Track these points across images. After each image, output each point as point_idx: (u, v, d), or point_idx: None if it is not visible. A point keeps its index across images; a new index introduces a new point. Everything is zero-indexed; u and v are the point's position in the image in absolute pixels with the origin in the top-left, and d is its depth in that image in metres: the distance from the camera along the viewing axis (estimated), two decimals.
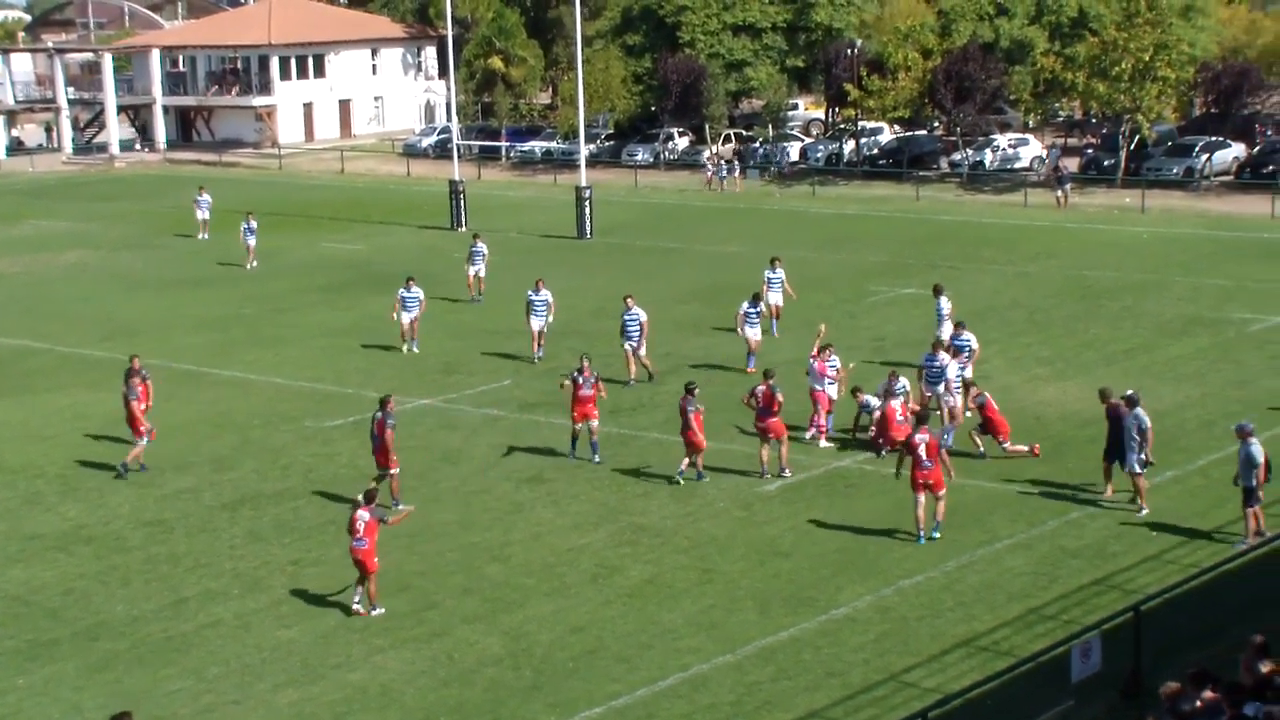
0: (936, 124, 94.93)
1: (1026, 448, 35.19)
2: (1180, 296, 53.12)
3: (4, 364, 48.80)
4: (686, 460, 34.26)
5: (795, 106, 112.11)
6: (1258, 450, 28.96)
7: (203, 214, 72.84)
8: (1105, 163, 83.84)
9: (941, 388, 36.19)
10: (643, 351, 42.89)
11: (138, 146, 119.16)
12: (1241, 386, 41.21)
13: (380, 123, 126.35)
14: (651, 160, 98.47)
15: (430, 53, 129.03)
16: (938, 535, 30.19)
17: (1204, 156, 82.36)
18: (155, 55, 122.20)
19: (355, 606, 27.65)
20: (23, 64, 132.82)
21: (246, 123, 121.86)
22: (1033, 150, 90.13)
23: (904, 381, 36.33)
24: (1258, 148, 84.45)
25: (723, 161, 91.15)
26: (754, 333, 43.98)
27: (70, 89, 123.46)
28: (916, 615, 26.95)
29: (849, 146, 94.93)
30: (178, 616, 28.11)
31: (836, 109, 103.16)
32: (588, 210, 71.28)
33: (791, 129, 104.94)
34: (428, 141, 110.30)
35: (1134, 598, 25.31)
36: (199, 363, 47.85)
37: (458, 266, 57.58)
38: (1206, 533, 30.26)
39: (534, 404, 41.74)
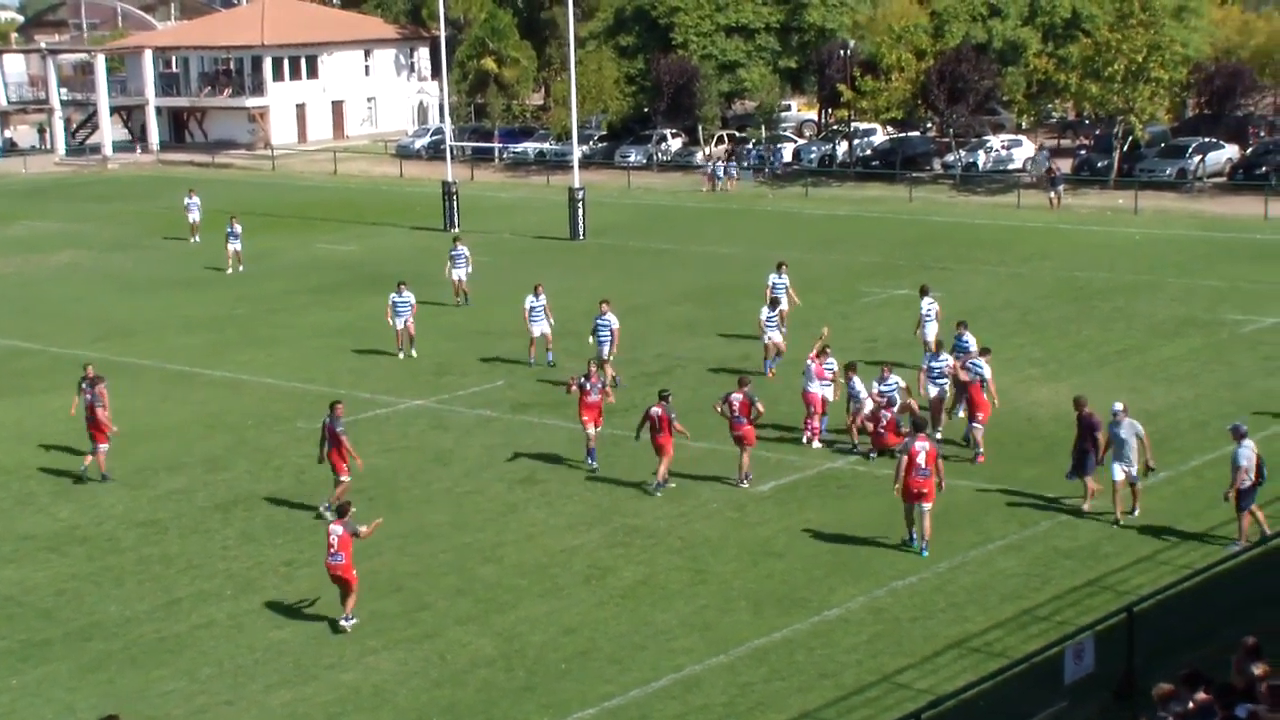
0: (930, 125, 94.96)
1: (981, 448, 35.12)
2: (1173, 298, 53.16)
3: None
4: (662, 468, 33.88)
5: (788, 107, 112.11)
6: (1240, 453, 28.98)
7: (194, 216, 72.63)
8: (1098, 164, 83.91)
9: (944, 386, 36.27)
10: (608, 357, 42.64)
11: (137, 150, 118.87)
12: (1234, 388, 41.24)
13: (373, 124, 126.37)
14: (644, 161, 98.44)
15: (423, 54, 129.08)
16: (927, 553, 29.69)
17: (1197, 158, 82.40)
18: (148, 56, 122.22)
19: (344, 624, 27.24)
20: (16, 65, 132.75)
21: (239, 124, 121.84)
22: (1026, 151, 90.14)
23: (896, 379, 36.33)
24: (1251, 149, 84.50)
25: (720, 162, 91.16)
26: (775, 336, 43.49)
27: (63, 90, 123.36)
28: (909, 616, 26.95)
29: (842, 148, 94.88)
30: (170, 617, 28.09)
31: (829, 110, 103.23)
32: (581, 211, 71.26)
33: (784, 130, 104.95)
34: (421, 142, 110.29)
35: (1127, 599, 25.33)
36: (192, 363, 47.81)
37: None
38: (1199, 534, 30.27)
39: (527, 405, 41.73)
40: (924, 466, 29.43)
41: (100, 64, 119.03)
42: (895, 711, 22.61)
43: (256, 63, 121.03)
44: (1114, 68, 79.05)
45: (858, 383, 36.45)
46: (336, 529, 26.93)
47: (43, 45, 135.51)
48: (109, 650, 26.75)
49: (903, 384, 36.38)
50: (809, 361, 37.55)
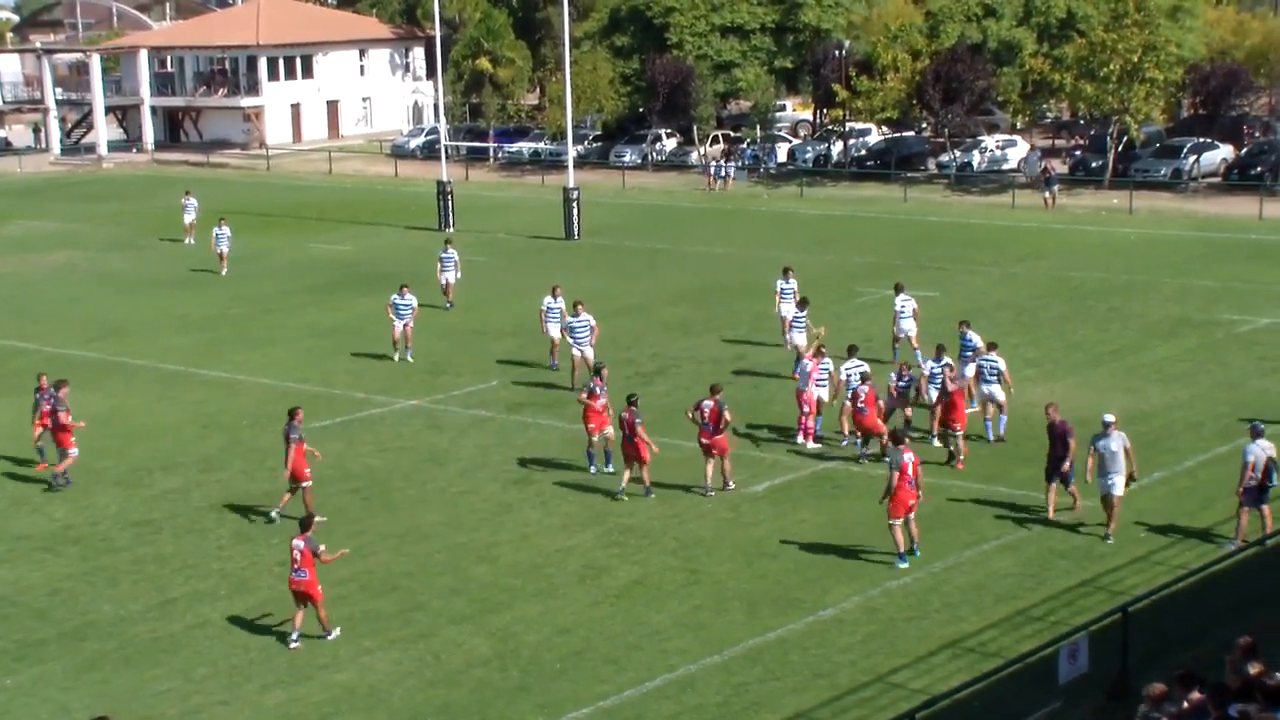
0: (924, 125, 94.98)
1: (952, 453, 35.03)
2: (1168, 298, 53.19)
3: None
4: (636, 473, 33.52)
5: (783, 107, 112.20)
6: (1249, 449, 29.09)
7: (189, 217, 72.42)
8: (1093, 164, 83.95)
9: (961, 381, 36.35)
10: (590, 355, 42.60)
11: (133, 150, 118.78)
12: (1229, 388, 41.28)
13: (368, 123, 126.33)
14: (639, 161, 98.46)
15: (418, 53, 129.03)
16: (919, 553, 29.50)
17: (1192, 158, 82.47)
18: (143, 56, 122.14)
19: (296, 641, 26.57)
20: (11, 65, 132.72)
21: (234, 123, 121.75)
22: (1021, 151, 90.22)
23: (910, 374, 36.51)
24: (1246, 149, 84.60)
25: (720, 162, 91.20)
26: (800, 338, 42.69)
27: (58, 90, 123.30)
28: (904, 616, 26.96)
29: (837, 148, 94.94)
30: (165, 617, 28.08)
31: (824, 110, 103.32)
32: (576, 211, 71.25)
33: (779, 130, 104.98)
34: (416, 142, 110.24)
35: (1121, 599, 25.33)
36: (187, 363, 47.79)
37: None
38: (1194, 534, 30.30)
39: (521, 405, 41.74)
40: (914, 478, 29.18)
41: (95, 64, 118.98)
42: (889, 711, 22.61)
43: (251, 62, 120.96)
44: (1109, 68, 79.10)
45: (854, 374, 36.39)
46: (299, 544, 26.30)
47: (38, 45, 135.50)
48: (103, 650, 26.74)
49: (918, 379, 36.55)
50: (805, 361, 37.59)
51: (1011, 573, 28.76)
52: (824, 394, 37.13)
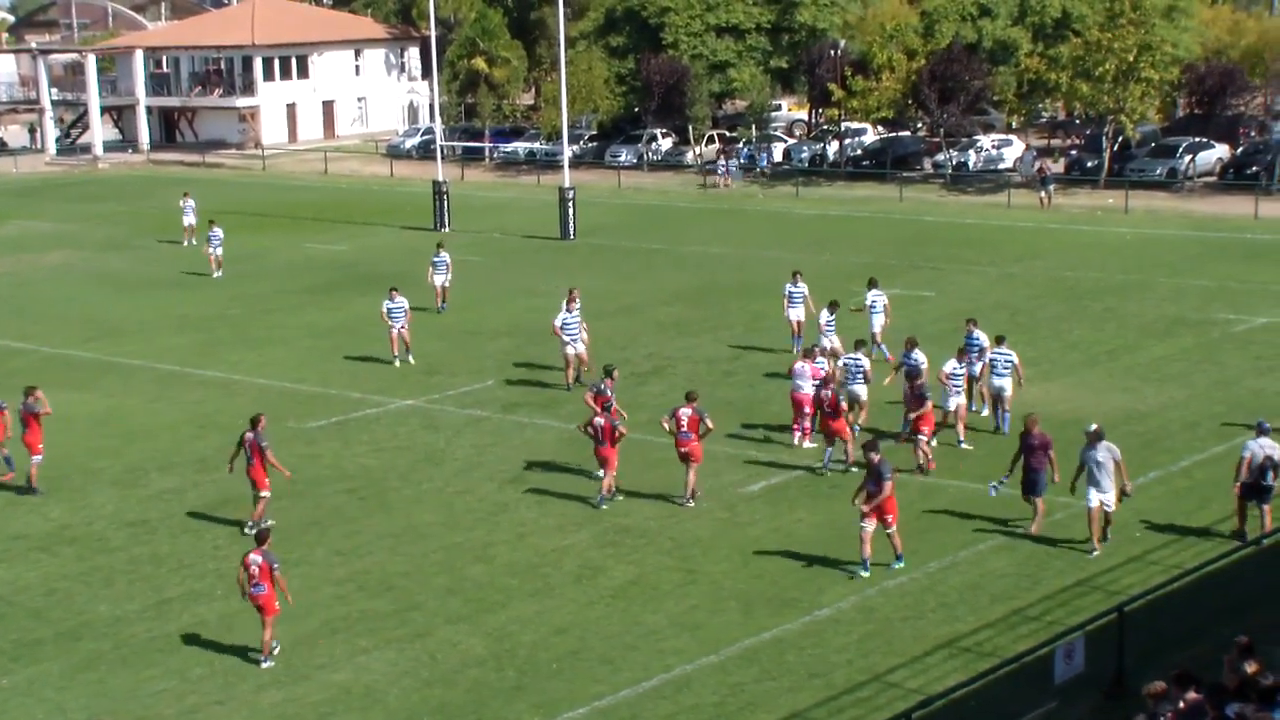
0: (920, 125, 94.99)
1: (925, 458, 34.74)
2: (1164, 297, 53.22)
3: None
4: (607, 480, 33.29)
5: (779, 107, 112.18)
6: (1248, 446, 29.23)
7: (189, 219, 72.06)
8: (1089, 164, 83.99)
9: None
10: (584, 352, 42.45)
11: (130, 151, 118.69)
12: (1225, 387, 41.30)
13: (364, 123, 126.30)
14: (635, 161, 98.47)
15: (414, 53, 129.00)
16: (901, 563, 28.97)
17: (1187, 157, 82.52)
18: (139, 56, 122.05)
19: (266, 662, 26.01)
20: (6, 65, 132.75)
21: (230, 124, 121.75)
22: (1016, 151, 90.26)
23: (923, 361, 36.61)
24: (1241, 149, 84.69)
25: (724, 160, 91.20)
26: (835, 341, 41.99)
27: (54, 90, 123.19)
28: (900, 616, 26.96)
29: (833, 147, 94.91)
30: (161, 617, 28.07)
31: (820, 110, 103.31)
32: (571, 211, 71.25)
33: (775, 130, 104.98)
34: (411, 142, 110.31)
35: (1117, 599, 25.36)
36: (183, 363, 47.77)
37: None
38: (1190, 533, 30.32)
39: (517, 404, 41.73)
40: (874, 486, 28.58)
41: (91, 64, 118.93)
42: (886, 711, 22.62)
43: (247, 62, 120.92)
44: (1104, 68, 79.11)
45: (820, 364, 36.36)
46: (255, 558, 25.64)
47: (33, 45, 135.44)
48: (99, 650, 26.73)
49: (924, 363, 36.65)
50: (800, 365, 37.42)
51: (1007, 572, 28.76)
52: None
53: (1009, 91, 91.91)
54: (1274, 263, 59.42)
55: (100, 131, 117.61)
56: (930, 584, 28.34)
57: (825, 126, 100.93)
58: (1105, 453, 29.28)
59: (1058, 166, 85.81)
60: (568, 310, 43.00)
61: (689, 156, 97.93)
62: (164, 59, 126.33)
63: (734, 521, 32.07)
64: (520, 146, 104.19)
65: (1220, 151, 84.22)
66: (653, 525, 31.90)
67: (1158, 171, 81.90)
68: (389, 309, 46.19)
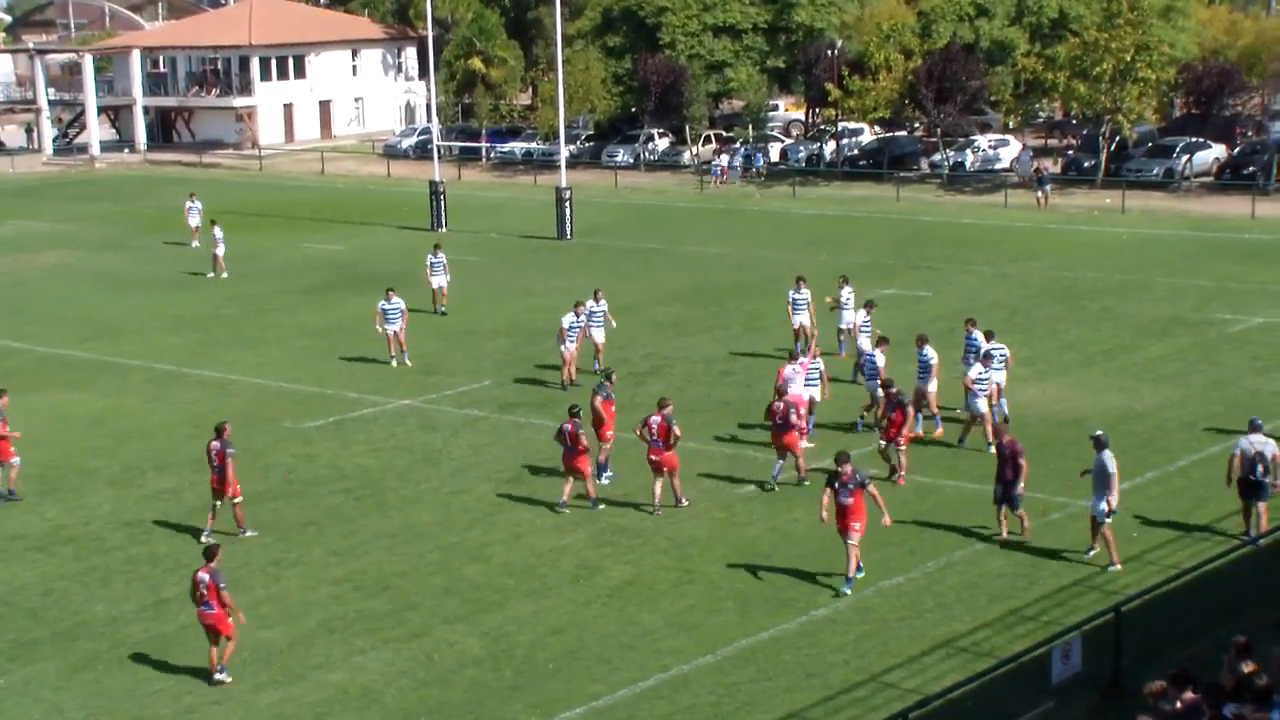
0: (917, 125, 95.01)
1: (893, 468, 34.32)
2: (1161, 297, 53.23)
3: None
4: (581, 488, 33.02)
5: (776, 107, 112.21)
6: (1239, 444, 29.32)
7: (194, 220, 71.73)
8: (1086, 164, 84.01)
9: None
10: (574, 351, 42.61)
11: (127, 151, 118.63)
12: (1222, 387, 41.30)
13: (361, 124, 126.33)
14: (632, 161, 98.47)
15: (410, 53, 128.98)
16: (849, 590, 28.13)
17: (1185, 157, 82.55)
18: (136, 56, 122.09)
19: (219, 677, 25.19)
20: (3, 64, 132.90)
21: (227, 124, 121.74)
22: (1013, 151, 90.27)
23: (931, 352, 36.81)
24: (1238, 149, 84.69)
25: (724, 159, 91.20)
26: (866, 344, 40.99)
27: (51, 90, 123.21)
28: (897, 616, 26.95)
29: (829, 147, 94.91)
30: (158, 617, 28.04)
31: (817, 110, 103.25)
32: (568, 211, 71.26)
33: (772, 130, 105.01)
34: (408, 142, 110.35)
35: (1114, 599, 25.35)
36: (180, 363, 47.75)
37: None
38: (1187, 533, 30.32)
39: (514, 404, 41.72)
40: (846, 496, 28.07)
41: (88, 64, 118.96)
42: (882, 711, 22.62)
43: (244, 63, 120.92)
44: (1102, 68, 79.14)
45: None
46: (204, 576, 24.86)
47: (30, 45, 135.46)
48: (96, 650, 26.71)
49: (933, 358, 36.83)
50: (790, 367, 37.27)
51: (1004, 572, 28.76)
52: (816, 394, 37.03)
53: (1006, 91, 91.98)
54: (1271, 263, 59.45)
55: (97, 131, 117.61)
56: (927, 584, 28.34)
57: (822, 126, 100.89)
58: (1099, 462, 28.78)
59: (1055, 166, 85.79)
60: (595, 300, 43.91)
61: (686, 156, 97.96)
62: (161, 59, 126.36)
63: (731, 521, 32.06)
64: (517, 146, 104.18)
65: (1217, 151, 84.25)
66: (649, 525, 31.88)
67: (1155, 171, 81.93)
68: (384, 310, 46.05)
